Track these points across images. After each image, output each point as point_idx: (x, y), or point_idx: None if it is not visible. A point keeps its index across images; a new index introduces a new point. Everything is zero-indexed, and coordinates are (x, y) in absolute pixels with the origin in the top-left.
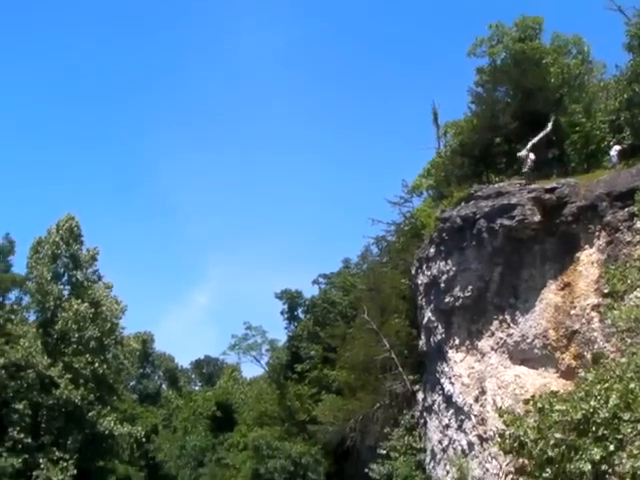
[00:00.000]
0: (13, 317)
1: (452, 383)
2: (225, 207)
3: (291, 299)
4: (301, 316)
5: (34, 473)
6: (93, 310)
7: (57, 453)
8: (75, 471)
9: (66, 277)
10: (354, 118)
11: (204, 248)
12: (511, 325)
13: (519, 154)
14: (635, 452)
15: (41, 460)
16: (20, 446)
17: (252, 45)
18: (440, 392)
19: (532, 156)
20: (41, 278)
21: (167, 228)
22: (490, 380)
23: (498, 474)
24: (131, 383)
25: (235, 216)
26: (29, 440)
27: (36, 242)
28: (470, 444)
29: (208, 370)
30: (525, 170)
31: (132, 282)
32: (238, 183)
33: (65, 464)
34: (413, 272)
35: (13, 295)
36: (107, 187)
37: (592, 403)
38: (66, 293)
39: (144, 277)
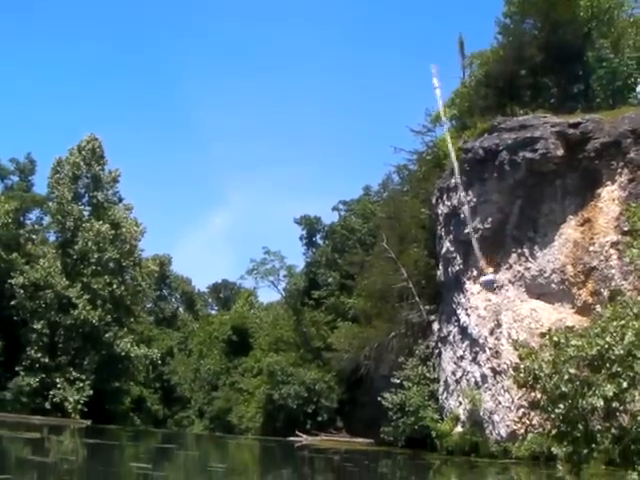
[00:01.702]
0: (34, 237)
1: (468, 315)
2: (247, 129)
3: (310, 225)
4: (320, 242)
5: (51, 392)
6: (113, 231)
7: (74, 373)
8: (91, 391)
9: (87, 198)
10: (380, 44)
11: (224, 170)
12: (529, 259)
13: None
14: None
15: (58, 380)
16: (37, 365)
17: None
18: (456, 323)
19: None
20: (62, 198)
21: (187, 149)
22: (506, 313)
23: (510, 407)
24: (148, 305)
25: (257, 139)
26: (46, 360)
27: (57, 162)
28: (483, 376)
29: (225, 294)
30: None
31: (151, 203)
32: (261, 105)
33: (81, 384)
34: (433, 202)
35: (34, 215)
36: (129, 107)
37: (607, 340)
38: (86, 214)
39: (163, 199)
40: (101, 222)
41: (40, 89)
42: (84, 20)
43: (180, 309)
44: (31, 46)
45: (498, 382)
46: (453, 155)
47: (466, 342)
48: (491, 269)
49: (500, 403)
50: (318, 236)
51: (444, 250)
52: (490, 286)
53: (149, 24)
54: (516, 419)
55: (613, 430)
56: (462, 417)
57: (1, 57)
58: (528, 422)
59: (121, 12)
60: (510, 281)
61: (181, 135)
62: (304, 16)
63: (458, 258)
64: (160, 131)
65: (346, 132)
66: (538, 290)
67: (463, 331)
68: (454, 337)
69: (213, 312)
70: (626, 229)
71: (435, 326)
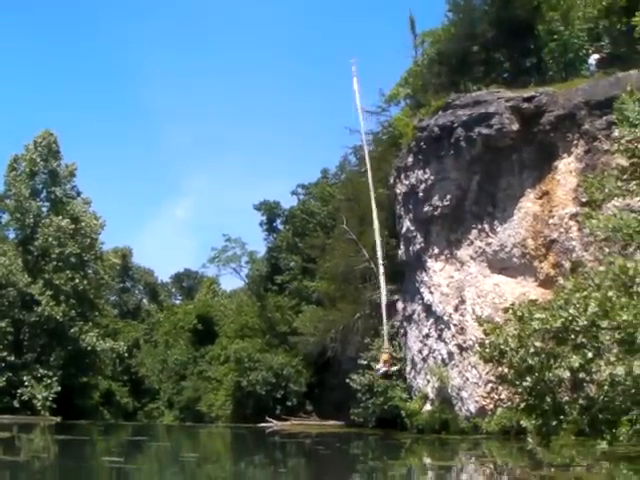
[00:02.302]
0: None
1: (431, 292)
2: (202, 115)
3: (270, 210)
4: (280, 227)
5: (19, 391)
6: (73, 226)
7: (41, 370)
8: (59, 388)
9: (45, 193)
10: (330, 26)
11: (181, 159)
12: (490, 234)
13: None
14: (612, 360)
15: (25, 378)
16: (3, 364)
17: None
18: (420, 301)
19: None
20: (19, 195)
21: (142, 139)
22: (469, 289)
23: (478, 383)
24: (111, 298)
25: (212, 125)
26: (12, 358)
27: (13, 159)
28: (450, 353)
29: (188, 283)
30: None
31: (109, 196)
32: (213, 91)
33: (49, 381)
34: (391, 181)
35: None
36: (80, 99)
37: (571, 311)
38: (45, 210)
39: (121, 190)
40: (60, 217)
41: None
42: (29, 11)
43: (144, 300)
44: None
45: (465, 358)
46: None
47: (431, 320)
48: (385, 358)
49: (468, 379)
50: (278, 221)
51: (404, 229)
52: (385, 376)
53: (96, 7)
54: (484, 394)
55: (581, 401)
56: (431, 395)
57: None
58: (497, 397)
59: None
60: (472, 257)
61: (135, 125)
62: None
63: (418, 237)
64: (114, 122)
65: (301, 116)
66: (500, 265)
67: (427, 309)
68: (419, 315)
69: (177, 302)
70: (584, 200)
71: (399, 305)
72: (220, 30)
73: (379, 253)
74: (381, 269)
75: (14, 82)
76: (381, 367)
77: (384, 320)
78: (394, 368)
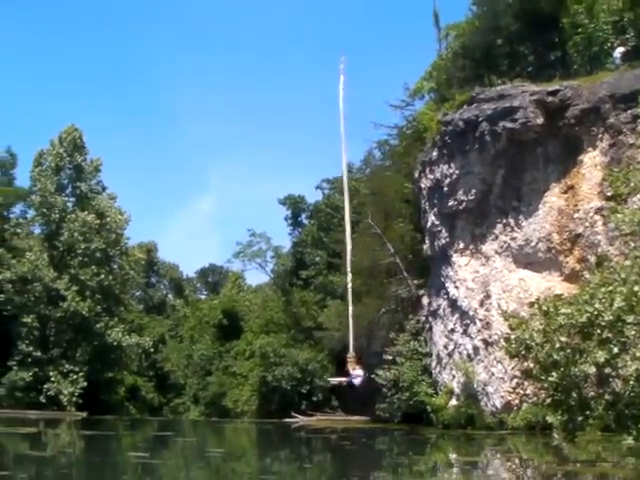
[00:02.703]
0: (19, 231)
1: (457, 287)
2: (226, 110)
3: (295, 205)
4: (305, 222)
5: (45, 386)
6: (98, 221)
7: (67, 366)
8: (85, 383)
9: (70, 189)
10: (355, 21)
11: (206, 153)
12: (515, 229)
13: None
14: (638, 355)
15: (51, 373)
16: (30, 360)
17: None
18: (445, 296)
19: None
20: (45, 191)
21: (167, 134)
22: (494, 284)
23: (503, 378)
24: (137, 293)
25: (236, 120)
26: (38, 353)
27: (38, 154)
28: (475, 348)
29: (213, 278)
30: None
31: (134, 192)
32: (238, 85)
33: (75, 376)
34: (416, 176)
35: (17, 209)
36: (105, 95)
37: (596, 306)
38: (70, 205)
39: (146, 186)
40: (86, 212)
41: (14, 82)
42: (55, 11)
43: (169, 296)
44: (2, 42)
45: (490, 353)
46: None
47: (456, 315)
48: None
49: (493, 374)
50: (303, 216)
51: (429, 224)
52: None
53: (120, 8)
54: (510, 390)
55: (607, 396)
56: (456, 390)
57: None
58: (522, 392)
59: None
60: (497, 252)
61: (160, 121)
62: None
63: (444, 231)
64: (139, 117)
65: (326, 110)
66: (525, 259)
67: (453, 304)
68: (444, 310)
69: (202, 297)
70: (610, 194)
71: (425, 300)
72: (243, 26)
73: None
74: None
75: (40, 77)
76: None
77: (350, 330)
78: (357, 377)
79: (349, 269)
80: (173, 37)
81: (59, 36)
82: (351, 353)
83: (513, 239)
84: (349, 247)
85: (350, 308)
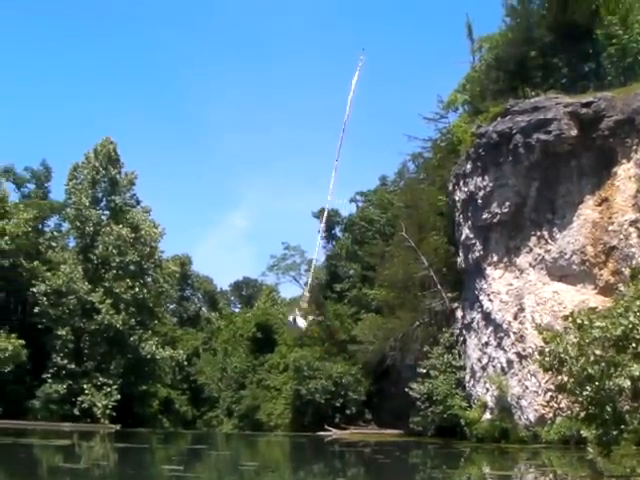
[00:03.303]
0: (54, 244)
1: (491, 300)
2: (259, 124)
3: (329, 218)
4: (339, 235)
5: (79, 399)
6: (132, 234)
7: (101, 378)
8: (119, 396)
9: (104, 202)
10: (389, 33)
11: (239, 168)
12: (549, 241)
13: None
14: None
15: (85, 386)
16: (64, 372)
17: None
18: (479, 309)
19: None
20: (80, 204)
21: (202, 148)
22: (528, 297)
23: (537, 391)
24: (171, 306)
25: (269, 134)
26: (73, 366)
27: (73, 167)
28: (509, 362)
29: (247, 292)
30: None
31: (169, 205)
32: (270, 99)
33: (109, 389)
34: (450, 188)
35: (52, 222)
36: (138, 109)
37: (631, 319)
38: (105, 218)
39: (180, 200)
40: (120, 226)
41: (50, 96)
42: (90, 25)
43: (203, 309)
44: (39, 54)
45: (524, 367)
46: None
47: (490, 328)
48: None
49: (527, 388)
50: (337, 229)
51: (463, 236)
52: (295, 326)
53: (151, 24)
54: (544, 403)
55: None
56: (490, 404)
57: (8, 66)
58: (556, 406)
59: (124, 13)
60: (531, 264)
61: (195, 134)
62: (312, 12)
63: (478, 244)
64: (173, 131)
65: (360, 123)
66: (559, 272)
67: (487, 317)
68: (478, 323)
69: (236, 310)
70: None
71: (459, 313)
72: (275, 39)
73: None
74: None
75: (75, 91)
76: (294, 317)
77: (310, 281)
78: (302, 320)
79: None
80: (206, 50)
81: (96, 51)
82: (307, 295)
83: (547, 252)
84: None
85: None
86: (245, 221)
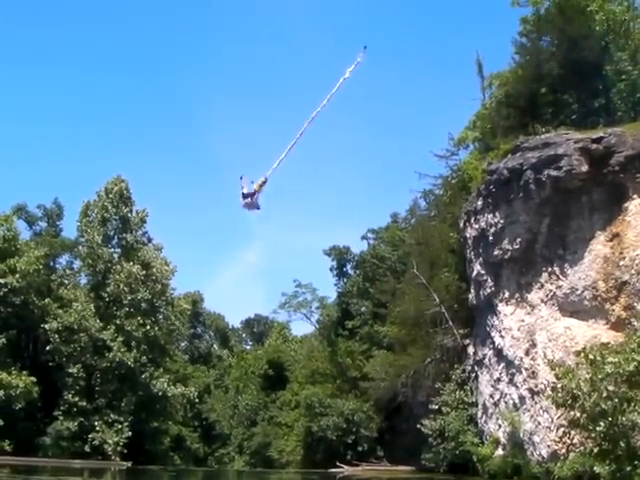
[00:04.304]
0: (66, 281)
1: (502, 336)
2: (270, 162)
3: (340, 255)
4: (350, 272)
5: (90, 436)
6: (144, 272)
7: (112, 415)
8: (130, 433)
9: (116, 240)
10: (398, 71)
11: None
12: (560, 277)
13: None
14: None
15: (96, 423)
16: (75, 409)
17: None
18: (491, 346)
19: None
20: (91, 242)
21: (214, 185)
22: (540, 333)
23: (550, 427)
24: (182, 344)
25: (279, 171)
26: (84, 403)
27: (85, 206)
28: (521, 398)
29: (259, 329)
30: None
31: (180, 242)
32: (281, 135)
33: (120, 426)
34: (461, 225)
35: (64, 259)
36: (150, 146)
37: None
38: (116, 256)
39: (192, 237)
40: (131, 263)
41: (61, 135)
42: (100, 62)
43: (214, 346)
44: (51, 93)
45: (536, 403)
46: None
47: (502, 364)
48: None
49: (540, 424)
50: (348, 266)
51: (475, 273)
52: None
53: (161, 57)
54: (557, 439)
55: None
56: (502, 440)
57: (21, 104)
58: (569, 441)
59: (134, 47)
60: (542, 300)
61: (206, 171)
62: (324, 34)
63: (489, 280)
64: (185, 168)
65: (370, 161)
66: (571, 308)
67: (498, 353)
68: (490, 360)
69: (248, 347)
70: None
71: (470, 350)
72: (286, 73)
73: None
74: None
75: (87, 129)
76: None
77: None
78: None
79: None
80: (216, 83)
81: (106, 89)
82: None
83: (559, 287)
84: None
85: None
86: (257, 258)
